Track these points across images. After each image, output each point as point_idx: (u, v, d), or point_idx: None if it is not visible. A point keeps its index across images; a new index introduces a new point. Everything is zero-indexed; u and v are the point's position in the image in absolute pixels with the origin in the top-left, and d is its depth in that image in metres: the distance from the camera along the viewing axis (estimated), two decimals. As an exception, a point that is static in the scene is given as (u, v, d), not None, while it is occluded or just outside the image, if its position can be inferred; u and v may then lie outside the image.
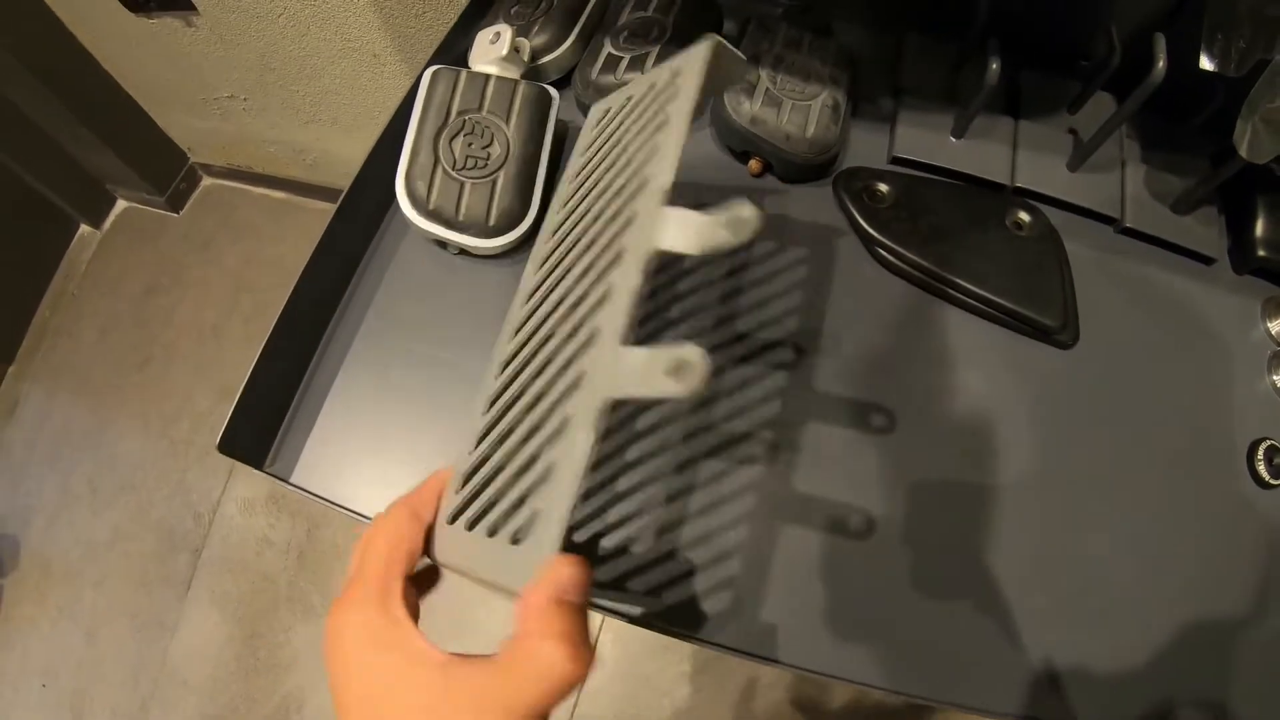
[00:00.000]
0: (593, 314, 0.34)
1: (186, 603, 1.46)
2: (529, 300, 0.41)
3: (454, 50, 0.65)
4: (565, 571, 0.30)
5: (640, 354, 0.29)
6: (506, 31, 0.58)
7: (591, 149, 0.44)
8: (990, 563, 0.49)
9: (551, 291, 0.40)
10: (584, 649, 0.30)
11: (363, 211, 0.60)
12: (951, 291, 0.57)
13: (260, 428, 0.54)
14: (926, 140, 0.62)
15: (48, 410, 1.70)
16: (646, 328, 0.55)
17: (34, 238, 1.82)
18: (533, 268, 0.43)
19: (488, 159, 0.54)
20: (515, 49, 0.59)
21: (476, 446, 0.38)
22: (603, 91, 0.59)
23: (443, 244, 0.56)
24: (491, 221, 0.53)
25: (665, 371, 0.28)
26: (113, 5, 1.24)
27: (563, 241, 0.41)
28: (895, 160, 0.62)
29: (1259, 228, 0.61)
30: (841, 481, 0.51)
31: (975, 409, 0.54)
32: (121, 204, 1.93)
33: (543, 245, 0.44)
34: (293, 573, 1.46)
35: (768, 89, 0.58)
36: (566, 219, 0.42)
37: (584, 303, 0.35)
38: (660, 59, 0.59)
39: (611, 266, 0.35)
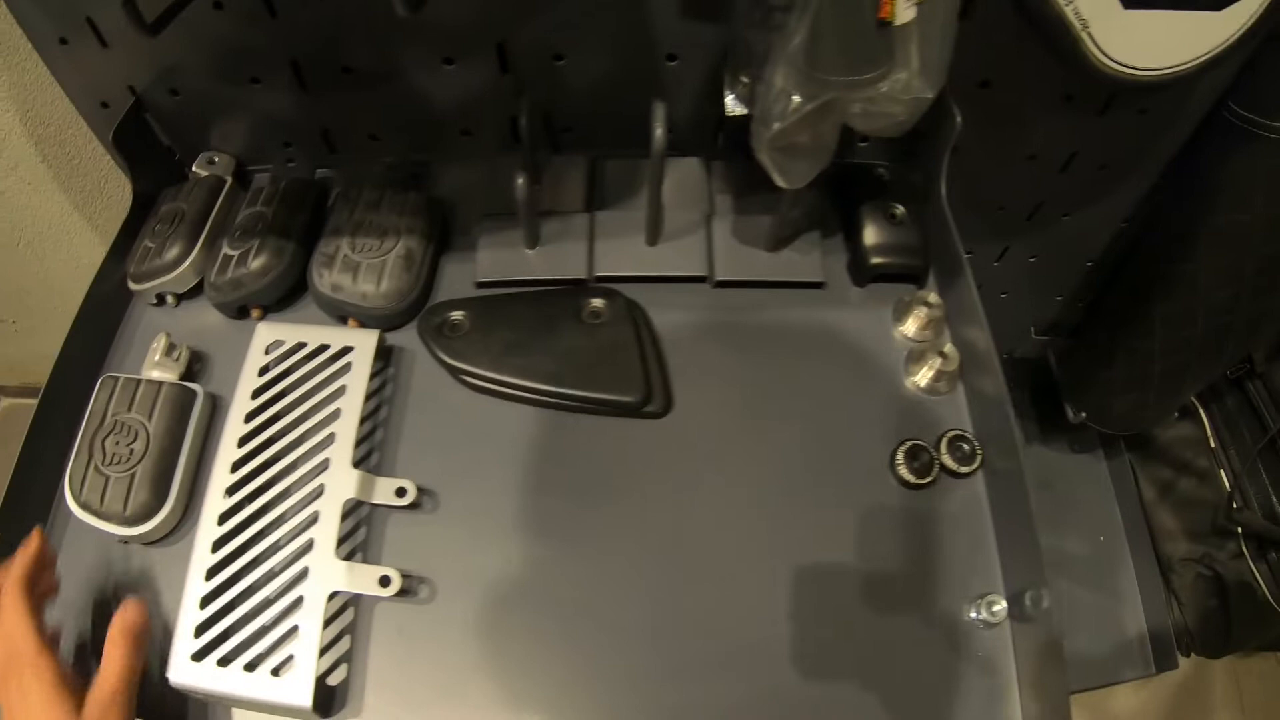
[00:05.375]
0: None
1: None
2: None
3: (114, 276, 0.70)
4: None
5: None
6: (161, 340, 0.64)
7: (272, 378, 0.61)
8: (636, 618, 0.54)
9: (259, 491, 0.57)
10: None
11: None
12: (534, 397, 0.61)
13: None
14: (504, 259, 0.68)
15: None
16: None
17: None
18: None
19: (129, 455, 0.59)
20: (169, 352, 0.64)
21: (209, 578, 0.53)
22: (225, 289, 0.65)
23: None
24: (127, 512, 0.57)
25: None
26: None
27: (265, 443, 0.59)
28: (481, 284, 0.68)
29: (866, 237, 0.66)
30: (457, 577, 0.56)
31: (588, 497, 0.58)
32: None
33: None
34: None
35: (345, 255, 0.65)
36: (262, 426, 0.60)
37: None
38: (261, 250, 0.65)
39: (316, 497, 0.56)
